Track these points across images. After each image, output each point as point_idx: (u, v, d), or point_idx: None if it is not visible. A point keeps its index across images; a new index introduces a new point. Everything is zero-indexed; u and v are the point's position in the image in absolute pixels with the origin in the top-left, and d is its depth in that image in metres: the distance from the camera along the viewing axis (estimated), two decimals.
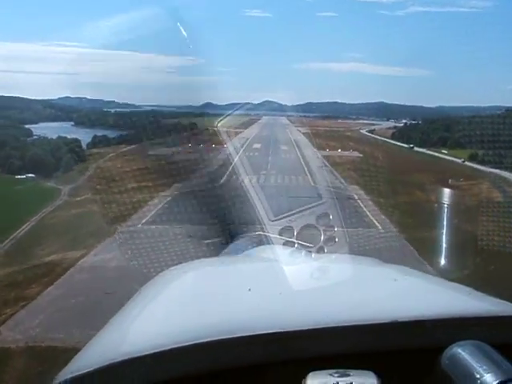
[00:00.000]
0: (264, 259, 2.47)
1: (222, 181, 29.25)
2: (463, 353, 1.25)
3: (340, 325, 1.42)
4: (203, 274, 2.39)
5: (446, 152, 47.78)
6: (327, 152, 47.57)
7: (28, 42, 76.68)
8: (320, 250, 2.32)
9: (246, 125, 61.43)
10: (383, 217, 22.48)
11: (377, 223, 21.61)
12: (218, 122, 4.17)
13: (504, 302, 1.75)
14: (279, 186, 29.84)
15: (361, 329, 1.43)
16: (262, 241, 2.58)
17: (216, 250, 3.72)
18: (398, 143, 57.65)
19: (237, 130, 61.76)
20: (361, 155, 46.97)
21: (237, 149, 19.37)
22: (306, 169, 35.66)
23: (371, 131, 59.91)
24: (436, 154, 49.35)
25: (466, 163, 39.08)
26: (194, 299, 1.90)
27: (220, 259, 3.14)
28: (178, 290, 2.18)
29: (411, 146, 55.24)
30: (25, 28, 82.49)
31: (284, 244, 2.45)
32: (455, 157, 43.58)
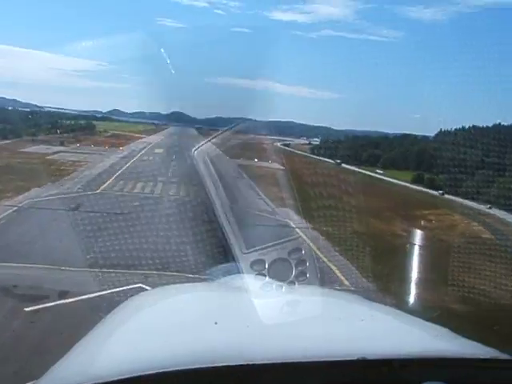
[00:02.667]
0: (234, 288, 2.49)
1: (100, 188, 25.76)
2: None
3: (308, 360, 1.45)
4: (173, 301, 2.43)
5: (381, 172, 46.21)
6: (242, 161, 46.00)
7: None
8: (291, 284, 2.30)
9: (150, 132, 62.39)
10: (341, 258, 19.11)
11: (339, 273, 17.96)
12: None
13: (475, 343, 1.83)
14: (180, 199, 27.52)
15: (328, 365, 1.47)
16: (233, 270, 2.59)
17: None
18: (321, 158, 56.73)
19: (139, 135, 61.44)
20: (282, 167, 45.55)
21: (134, 152, 39.28)
22: (217, 179, 34.09)
23: (287, 145, 59.41)
24: (372, 174, 47.77)
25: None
26: (162, 327, 1.94)
27: (190, 285, 3.51)
28: (146, 316, 2.22)
29: (338, 161, 54.42)
30: None
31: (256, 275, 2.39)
32: (394, 178, 43.15)
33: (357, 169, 53.69)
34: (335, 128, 61.16)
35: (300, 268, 2.36)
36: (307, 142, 65.32)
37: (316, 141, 64.84)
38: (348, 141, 59.34)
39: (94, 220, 19.04)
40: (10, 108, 55.76)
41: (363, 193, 35.07)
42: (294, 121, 62.06)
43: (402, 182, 42.10)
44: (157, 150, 49.85)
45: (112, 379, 1.36)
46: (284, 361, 1.42)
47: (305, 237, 22.34)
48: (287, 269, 2.34)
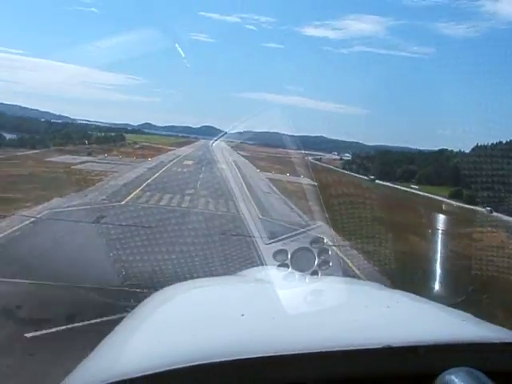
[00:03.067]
0: (258, 281, 2.49)
1: (125, 199, 24.12)
2: (456, 380, 1.26)
3: (333, 349, 1.43)
4: (197, 294, 2.44)
5: (416, 187, 44.45)
6: (273, 175, 44.83)
7: None
8: (314, 274, 2.30)
9: (180, 145, 62.33)
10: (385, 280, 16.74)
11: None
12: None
13: (499, 327, 1.81)
14: (209, 214, 26.57)
15: (354, 354, 1.44)
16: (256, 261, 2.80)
17: None
18: (354, 174, 56.43)
19: (169, 147, 60.68)
20: (315, 183, 44.42)
21: (163, 163, 41.56)
22: (247, 193, 32.57)
23: (318, 159, 58.64)
24: (408, 190, 45.93)
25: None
26: (188, 321, 1.92)
27: (214, 279, 3.48)
28: (172, 311, 2.21)
29: (372, 177, 53.34)
30: None
31: (278, 266, 2.38)
32: (432, 193, 41.08)
33: (391, 185, 52.18)
34: (366, 143, 61.37)
35: (322, 257, 2.34)
36: (338, 158, 64.68)
37: (347, 156, 64.54)
38: (381, 156, 58.12)
39: (115, 233, 17.54)
40: (42, 120, 57.17)
41: (400, 208, 33.41)
42: (325, 135, 61.43)
43: (439, 197, 40.18)
44: (186, 162, 48.82)
45: (139, 375, 1.34)
46: (310, 351, 1.41)
47: (341, 254, 20.68)
48: (310, 258, 2.28)
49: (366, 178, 54.90)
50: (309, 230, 22.74)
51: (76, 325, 10.67)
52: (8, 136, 52.36)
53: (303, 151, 63.46)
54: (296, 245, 2.44)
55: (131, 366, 1.46)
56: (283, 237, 2.78)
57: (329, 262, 2.40)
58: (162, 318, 2.09)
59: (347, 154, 64.58)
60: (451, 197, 39.04)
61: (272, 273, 2.42)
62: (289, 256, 2.39)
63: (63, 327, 10.42)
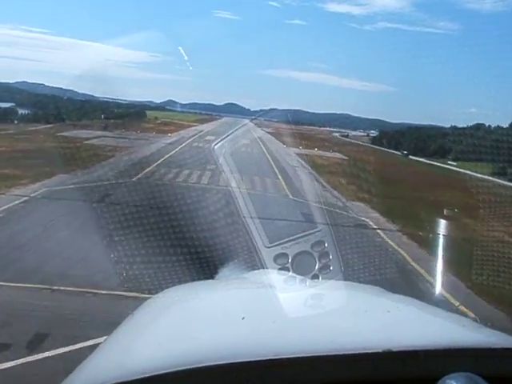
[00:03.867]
0: (258, 284, 2.41)
1: (137, 176, 20.38)
2: None
3: (333, 353, 1.41)
4: (198, 297, 2.38)
5: (454, 164, 41.51)
6: (300, 150, 42.18)
7: None
8: (315, 277, 2.30)
9: (203, 121, 61.39)
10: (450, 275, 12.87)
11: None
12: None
13: (499, 333, 1.76)
14: (230, 191, 21.26)
15: (353, 358, 1.42)
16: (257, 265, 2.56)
17: None
18: (385, 149, 55.31)
19: (191, 123, 58.60)
20: (345, 157, 42.26)
21: (184, 138, 40.93)
22: (275, 169, 29.30)
23: (345, 136, 58.20)
24: (445, 166, 42.76)
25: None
26: (188, 324, 1.90)
27: (214, 282, 3.16)
28: (172, 313, 2.17)
29: (405, 152, 51.20)
30: None
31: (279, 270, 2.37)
32: (472, 170, 37.21)
33: (426, 160, 49.58)
34: (391, 121, 60.89)
35: (323, 261, 2.30)
36: (365, 134, 63.75)
37: (373, 133, 63.77)
38: (412, 132, 56.47)
39: (118, 215, 14.38)
40: (64, 97, 56.14)
41: (444, 187, 29.70)
42: (349, 113, 61.52)
43: (479, 174, 36.48)
44: (208, 137, 46.21)
45: (138, 377, 1.33)
46: (310, 354, 1.38)
47: (391, 242, 17.38)
48: (310, 262, 2.27)
49: (398, 153, 53.45)
50: (348, 210, 19.55)
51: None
52: (21, 111, 50.90)
53: (328, 128, 66.31)
54: (297, 248, 2.25)
55: (130, 369, 1.43)
56: (284, 240, 2.29)
57: (330, 266, 2.28)
58: (162, 320, 2.03)
59: (373, 131, 63.88)
60: (494, 174, 35.55)
61: (272, 276, 2.25)
62: (289, 260, 2.26)
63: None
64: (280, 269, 2.30)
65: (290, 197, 22.71)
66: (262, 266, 2.39)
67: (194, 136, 48.71)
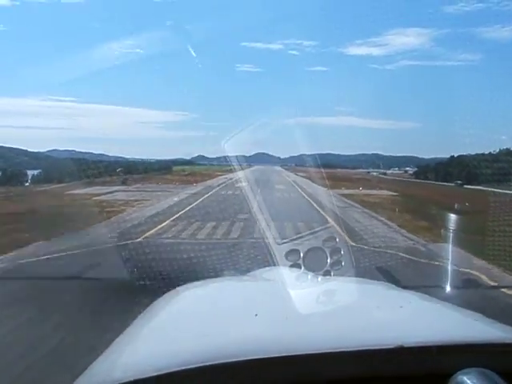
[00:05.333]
0: (271, 281, 2.46)
1: (146, 234, 18.26)
2: (469, 380, 1.23)
3: (346, 349, 1.40)
4: (210, 294, 2.40)
5: None
6: (343, 191, 37.43)
7: (24, 97, 79.13)
8: (326, 273, 2.24)
9: (233, 171, 51.27)
10: None
11: None
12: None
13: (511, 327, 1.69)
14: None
15: (367, 353, 1.41)
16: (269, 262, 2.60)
17: None
18: (432, 182, 52.86)
19: (220, 173, 55.24)
20: (395, 193, 37.40)
21: (210, 188, 38.90)
22: (322, 212, 23.33)
23: (383, 174, 57.01)
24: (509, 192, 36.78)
25: None
26: (201, 321, 1.87)
27: (226, 279, 3.25)
28: (184, 310, 2.14)
29: (459, 182, 46.00)
30: (20, 82, 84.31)
31: (290, 266, 2.32)
32: None
33: (484, 188, 44.03)
34: (422, 157, 61.13)
35: (335, 257, 2.29)
36: (402, 172, 62.55)
37: (409, 169, 62.73)
38: (461, 161, 52.03)
39: (97, 299, 8.87)
40: (91, 160, 52.87)
41: None
42: (380, 152, 61.87)
43: None
44: (238, 185, 40.20)
45: (152, 374, 1.32)
46: (323, 351, 1.39)
47: None
48: (322, 258, 2.23)
49: (449, 184, 48.39)
50: (439, 258, 14.49)
51: None
52: (33, 172, 46.77)
53: (361, 169, 60.38)
54: (308, 245, 2.28)
55: (144, 366, 1.41)
56: (295, 237, 0.92)
57: (341, 262, 2.30)
58: (175, 317, 2.02)
59: (408, 168, 62.99)
60: None
61: (284, 273, 2.37)
62: (301, 256, 2.31)
63: None
64: (291, 265, 2.28)
65: (352, 243, 16.29)
66: (274, 263, 2.50)
67: (222, 184, 43.13)
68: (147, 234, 17.76)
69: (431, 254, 15.40)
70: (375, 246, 16.10)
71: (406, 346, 1.39)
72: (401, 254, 15.20)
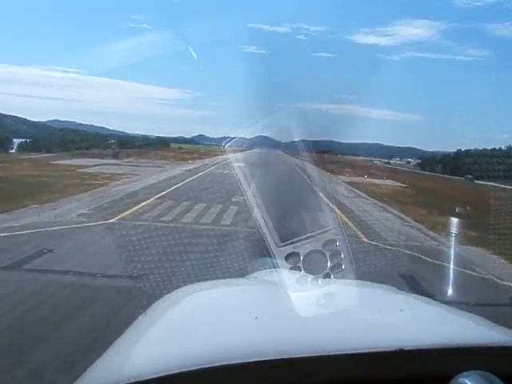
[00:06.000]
0: (271, 283, 2.39)
1: (122, 214, 15.49)
2: (469, 383, 1.23)
3: (346, 352, 1.40)
4: (210, 296, 2.36)
5: None
6: (348, 178, 34.42)
7: (29, 66, 75.42)
8: (327, 276, 2.16)
9: (232, 152, 51.10)
10: None
11: None
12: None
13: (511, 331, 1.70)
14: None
15: (367, 356, 1.40)
16: (268, 264, 2.46)
17: None
18: (439, 175, 50.83)
19: (218, 153, 52.69)
20: (403, 184, 34.93)
21: (206, 165, 37.15)
22: (327, 200, 20.39)
23: (386, 163, 55.17)
24: None
25: None
26: (201, 323, 1.86)
27: (226, 281, 3.29)
28: (184, 312, 2.13)
29: (469, 176, 43.63)
30: (27, 51, 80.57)
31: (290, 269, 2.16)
32: None
33: (497, 184, 41.71)
34: (424, 149, 60.01)
35: (335, 260, 2.19)
36: (404, 162, 61.52)
37: (411, 160, 62.06)
38: (472, 155, 50.15)
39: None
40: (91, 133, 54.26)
41: None
42: (381, 142, 59.95)
43: None
44: (237, 164, 37.33)
45: (152, 376, 1.30)
46: (323, 353, 1.37)
47: None
48: (322, 261, 2.16)
49: (459, 178, 46.25)
50: (473, 265, 12.49)
51: None
52: (20, 140, 44.99)
53: (364, 157, 59.08)
54: (309, 247, 2.12)
55: (144, 368, 1.39)
56: (295, 239, 2.11)
57: (341, 265, 2.14)
58: (174, 319, 2.01)
59: (410, 159, 62.07)
60: None
61: (284, 275, 2.16)
62: (301, 259, 2.13)
63: None
64: (291, 268, 2.18)
65: (366, 240, 13.45)
66: (274, 266, 2.30)
67: (219, 163, 40.42)
68: (124, 215, 14.90)
69: (462, 260, 12.62)
70: (393, 245, 13.29)
71: (406, 348, 1.37)
72: (423, 256, 12.45)
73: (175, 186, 22.55)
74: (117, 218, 14.22)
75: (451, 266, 10.70)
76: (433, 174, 51.46)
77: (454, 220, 11.12)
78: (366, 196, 25.73)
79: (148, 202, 17.54)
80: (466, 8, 64.25)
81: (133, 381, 1.31)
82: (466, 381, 1.23)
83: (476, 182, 44.22)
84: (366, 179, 37.07)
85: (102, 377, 1.52)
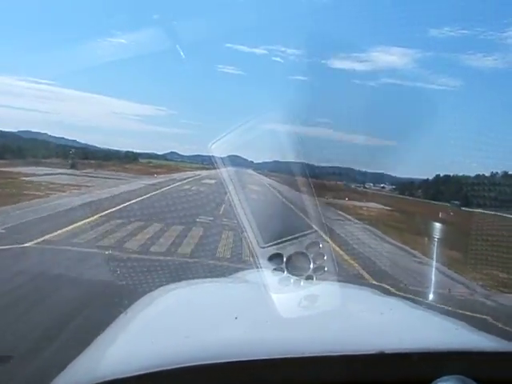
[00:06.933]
0: (252, 283, 2.42)
1: (46, 236, 11.93)
2: None
3: (326, 354, 1.39)
4: (191, 296, 2.34)
5: None
6: (327, 200, 30.36)
7: (1, 75, 71.78)
8: (309, 278, 2.11)
9: (203, 169, 51.40)
10: None
11: None
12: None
13: (492, 336, 1.72)
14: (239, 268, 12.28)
15: (347, 359, 1.39)
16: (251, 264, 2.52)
17: None
18: (422, 200, 48.71)
19: (189, 169, 51.73)
20: (389, 208, 32.77)
21: (173, 180, 32.39)
22: (312, 223, 16.97)
23: (362, 187, 53.68)
24: None
25: None
26: (181, 322, 1.83)
27: (208, 281, 3.35)
28: (165, 312, 2.10)
29: (456, 202, 42.12)
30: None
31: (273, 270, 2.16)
32: None
33: (487, 211, 40.05)
34: (395, 175, 57.69)
35: (318, 262, 2.16)
36: (377, 188, 59.52)
37: (385, 186, 61.02)
38: (455, 180, 49.29)
39: None
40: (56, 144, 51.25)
41: None
42: (353, 167, 54.28)
43: None
44: (206, 181, 35.37)
45: (130, 375, 1.29)
46: (303, 355, 1.37)
47: None
48: (305, 263, 2.12)
49: (443, 204, 43.94)
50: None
51: None
52: None
53: (336, 182, 59.70)
54: (292, 249, 2.11)
55: (122, 366, 1.38)
56: (278, 241, 2.18)
57: (324, 267, 2.12)
58: (155, 319, 1.97)
59: (383, 185, 60.96)
60: None
61: (267, 276, 2.19)
62: (284, 260, 2.12)
63: None
64: (274, 269, 2.17)
65: (373, 282, 9.96)
66: (257, 267, 2.31)
67: (187, 179, 37.07)
68: (49, 236, 11.14)
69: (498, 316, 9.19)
70: (415, 294, 9.80)
71: (386, 352, 1.37)
72: (460, 310, 8.93)
73: (131, 202, 18.88)
74: (37, 241, 10.46)
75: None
76: (414, 198, 49.86)
77: None
78: (354, 220, 22.42)
79: (90, 219, 13.82)
80: (441, 38, 66.76)
81: (111, 378, 1.28)
82: None
83: (462, 208, 42.10)
84: (346, 202, 34.41)
85: (82, 373, 1.44)
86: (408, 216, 27.60)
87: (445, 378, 1.25)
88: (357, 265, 11.17)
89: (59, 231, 11.77)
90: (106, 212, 15.39)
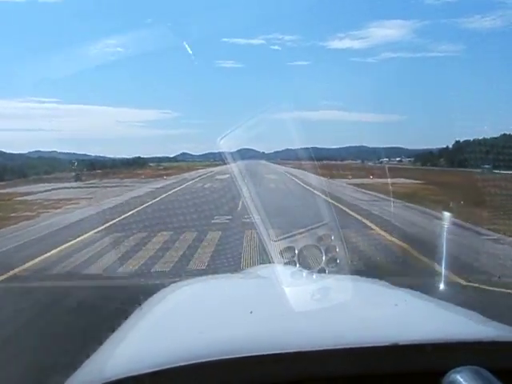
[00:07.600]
0: (265, 278, 2.38)
1: (28, 263, 9.92)
2: (463, 378, 1.20)
3: (340, 347, 1.37)
4: (205, 291, 2.29)
5: None
6: (350, 180, 31.75)
7: (3, 99, 71.65)
8: (321, 271, 2.12)
9: (216, 165, 50.76)
10: None
11: None
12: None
13: (507, 326, 1.63)
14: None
15: (361, 351, 1.37)
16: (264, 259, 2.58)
17: None
18: (448, 168, 48.55)
19: (200, 167, 50.33)
20: (420, 181, 31.28)
21: (184, 180, 31.61)
22: (348, 210, 15.67)
23: (379, 163, 52.53)
24: None
25: None
26: (195, 318, 1.79)
27: (221, 276, 3.26)
28: (179, 308, 2.04)
29: (486, 166, 39.12)
30: (2, 84, 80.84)
31: (285, 263, 2.19)
32: None
33: None
34: (409, 147, 61.47)
35: (330, 254, 2.19)
36: (395, 162, 62.17)
37: (402, 159, 63.63)
38: (481, 144, 47.54)
39: None
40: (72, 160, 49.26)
41: None
42: (366, 145, 60.12)
43: None
44: (219, 177, 33.25)
45: (148, 371, 1.25)
46: (317, 348, 1.34)
47: None
48: (317, 256, 2.15)
49: (473, 170, 42.26)
50: None
51: None
52: None
53: (351, 161, 58.89)
54: (303, 242, 2.13)
55: (136, 364, 1.32)
56: (290, 234, 2.24)
57: (336, 260, 2.15)
58: (169, 315, 1.91)
59: (398, 158, 63.23)
60: None
61: (279, 270, 2.17)
62: (296, 253, 2.15)
63: None
64: (286, 262, 2.19)
65: (459, 281, 7.27)
66: (269, 261, 2.31)
67: (199, 177, 34.70)
68: (29, 265, 8.67)
69: None
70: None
71: (400, 343, 1.35)
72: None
73: (133, 211, 16.36)
74: (15, 271, 8.00)
75: None
76: (438, 168, 49.56)
77: None
78: (389, 198, 19.56)
79: (83, 237, 11.30)
80: (436, 5, 67.32)
81: (126, 376, 1.26)
82: (460, 376, 1.19)
83: (494, 171, 39.66)
84: (372, 179, 31.69)
85: (94, 373, 1.38)
86: (447, 188, 24.73)
87: (459, 368, 1.20)
88: (426, 259, 8.46)
89: (43, 256, 9.44)
90: (103, 226, 12.86)
